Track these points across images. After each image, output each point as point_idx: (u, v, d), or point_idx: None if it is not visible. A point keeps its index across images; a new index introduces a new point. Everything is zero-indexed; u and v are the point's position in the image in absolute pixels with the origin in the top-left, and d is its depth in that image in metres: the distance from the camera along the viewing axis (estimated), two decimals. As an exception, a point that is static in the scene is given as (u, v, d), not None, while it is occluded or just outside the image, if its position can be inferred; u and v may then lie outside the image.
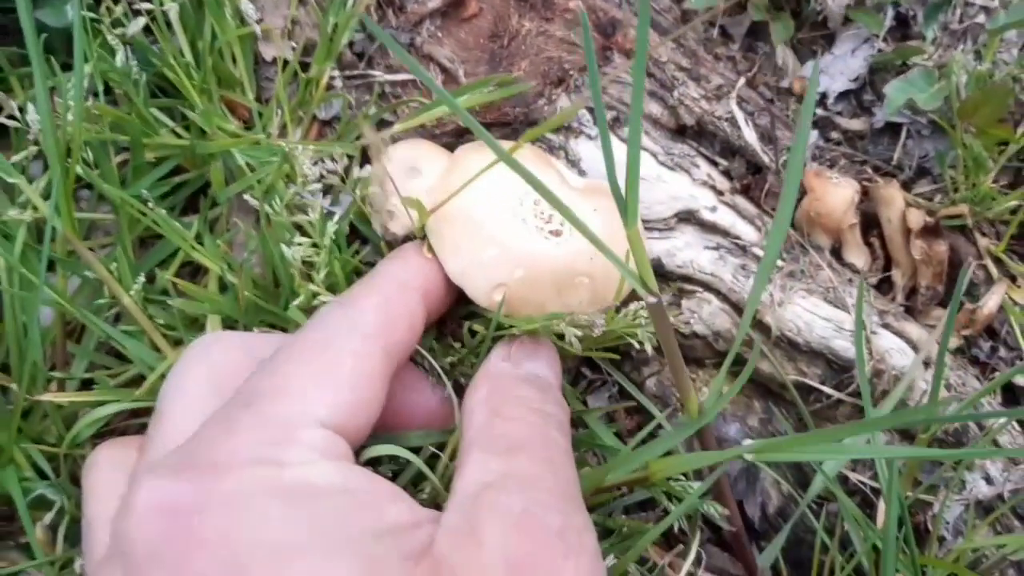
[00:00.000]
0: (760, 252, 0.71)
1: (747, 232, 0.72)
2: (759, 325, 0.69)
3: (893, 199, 0.75)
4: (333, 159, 0.63)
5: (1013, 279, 0.76)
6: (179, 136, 0.70)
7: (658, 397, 0.70)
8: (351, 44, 0.74)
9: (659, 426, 0.66)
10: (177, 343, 0.64)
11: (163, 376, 0.56)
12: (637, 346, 0.61)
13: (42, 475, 0.64)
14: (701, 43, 0.82)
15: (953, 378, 0.71)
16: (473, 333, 0.61)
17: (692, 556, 0.63)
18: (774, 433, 0.71)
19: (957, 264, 0.75)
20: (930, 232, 0.73)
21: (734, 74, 0.81)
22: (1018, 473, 0.68)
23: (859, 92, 0.84)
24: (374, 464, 0.56)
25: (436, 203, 0.59)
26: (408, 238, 0.62)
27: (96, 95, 0.68)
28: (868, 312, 0.71)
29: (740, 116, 0.76)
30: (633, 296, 0.62)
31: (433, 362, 0.60)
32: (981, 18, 0.83)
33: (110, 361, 0.68)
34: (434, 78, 0.73)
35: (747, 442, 0.51)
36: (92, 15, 0.66)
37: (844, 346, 0.69)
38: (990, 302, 0.73)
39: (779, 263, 0.71)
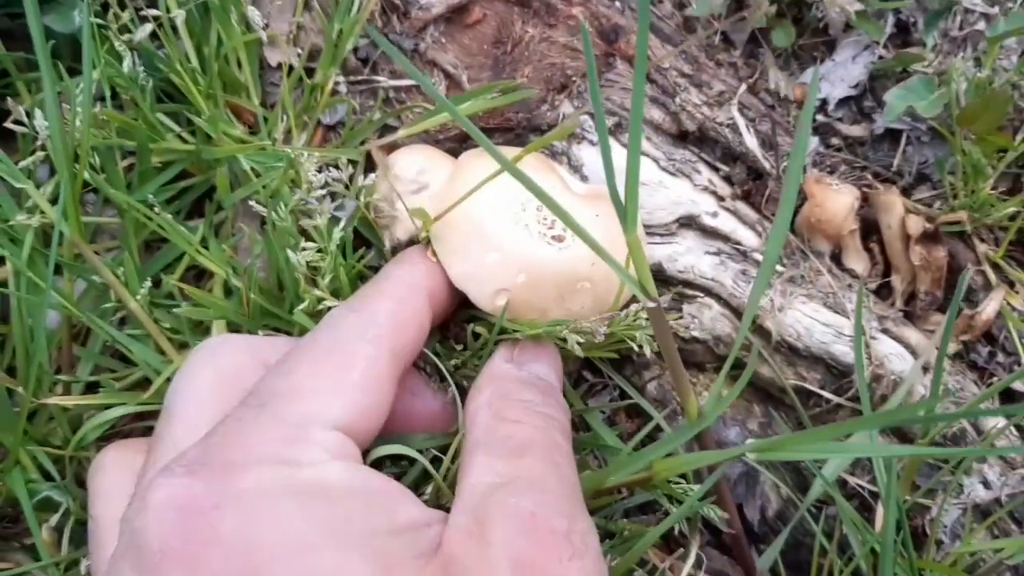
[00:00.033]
0: (760, 257, 0.71)
1: (748, 237, 0.72)
2: (759, 330, 0.70)
3: (893, 205, 0.75)
4: (337, 167, 0.63)
5: (1011, 285, 0.76)
6: (185, 141, 0.71)
7: (659, 401, 0.70)
8: (356, 50, 0.74)
9: (659, 429, 0.67)
10: (183, 347, 0.65)
11: (169, 379, 0.57)
12: (637, 349, 0.62)
13: (47, 477, 0.65)
14: (703, 49, 0.83)
15: (952, 383, 0.72)
16: (476, 336, 0.62)
17: (692, 558, 0.63)
18: (774, 437, 0.71)
19: (956, 270, 0.75)
20: (929, 238, 0.74)
21: (735, 80, 0.81)
22: (1015, 478, 0.69)
23: (859, 99, 0.85)
24: (376, 467, 0.57)
25: (440, 209, 0.60)
26: (412, 242, 0.63)
27: (103, 100, 0.68)
28: (867, 317, 0.71)
29: (741, 122, 0.76)
30: (634, 299, 0.62)
31: (439, 363, 0.61)
32: (981, 25, 0.84)
33: (115, 364, 0.68)
34: (438, 84, 0.74)
35: (749, 442, 0.51)
36: (99, 21, 0.67)
37: (844, 351, 0.70)
38: (988, 308, 0.74)
39: (779, 268, 0.72)
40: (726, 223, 0.72)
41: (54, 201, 0.64)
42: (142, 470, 0.50)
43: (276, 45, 0.73)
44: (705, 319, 0.70)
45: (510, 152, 0.61)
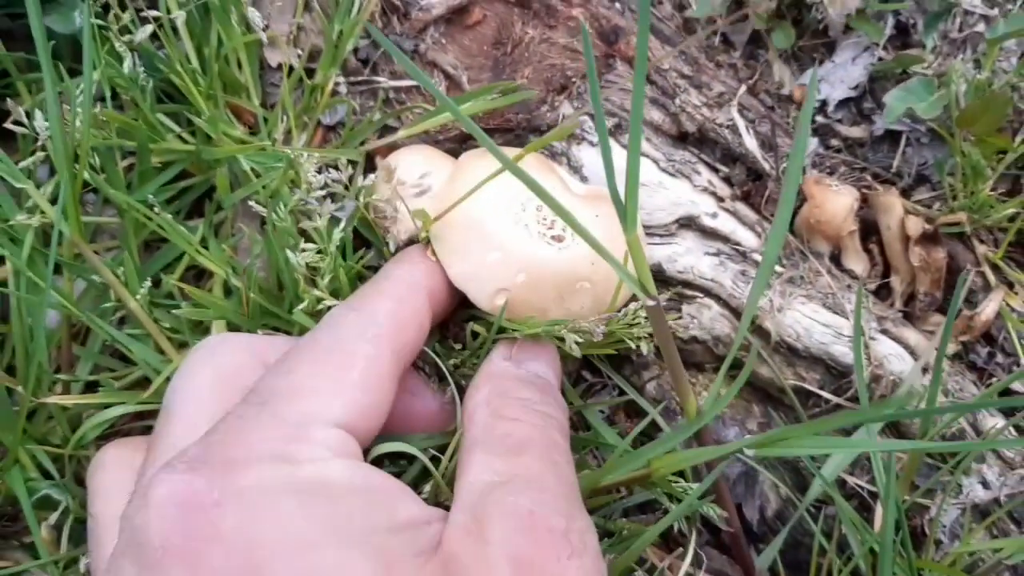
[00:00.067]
0: (760, 258, 0.71)
1: (747, 238, 0.72)
2: (759, 330, 0.70)
3: (892, 206, 0.75)
4: (337, 167, 0.63)
5: (1011, 286, 0.76)
6: (185, 141, 0.71)
7: (658, 401, 0.70)
8: (356, 51, 0.74)
9: (658, 428, 0.67)
10: (182, 346, 0.65)
11: (168, 379, 0.57)
12: (634, 347, 0.62)
13: (47, 476, 0.65)
14: (703, 51, 0.83)
15: (951, 383, 0.72)
16: (475, 335, 0.62)
17: (690, 556, 0.64)
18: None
19: (955, 271, 0.75)
20: (929, 239, 0.74)
21: (735, 81, 0.81)
22: (1014, 478, 0.69)
23: (859, 100, 0.85)
24: (375, 466, 0.57)
25: (440, 209, 0.60)
26: (412, 242, 0.63)
27: (103, 101, 0.68)
28: (867, 318, 0.72)
29: (741, 123, 0.77)
30: (634, 299, 0.62)
31: (440, 362, 0.61)
32: (980, 27, 0.84)
33: (115, 364, 0.68)
34: (438, 84, 0.74)
35: (748, 438, 0.51)
36: (100, 22, 0.67)
37: (843, 351, 0.70)
38: (988, 309, 0.74)
39: (779, 269, 0.72)
40: (726, 224, 0.72)
41: (54, 201, 0.65)
42: (142, 468, 0.50)
43: (276, 46, 0.73)
44: (704, 319, 0.70)
45: (510, 153, 0.62)
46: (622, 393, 0.70)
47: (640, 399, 0.69)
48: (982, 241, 0.78)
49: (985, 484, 0.69)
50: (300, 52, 0.73)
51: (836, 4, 0.82)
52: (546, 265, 0.59)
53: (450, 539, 0.45)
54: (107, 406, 0.64)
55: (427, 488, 0.56)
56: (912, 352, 0.71)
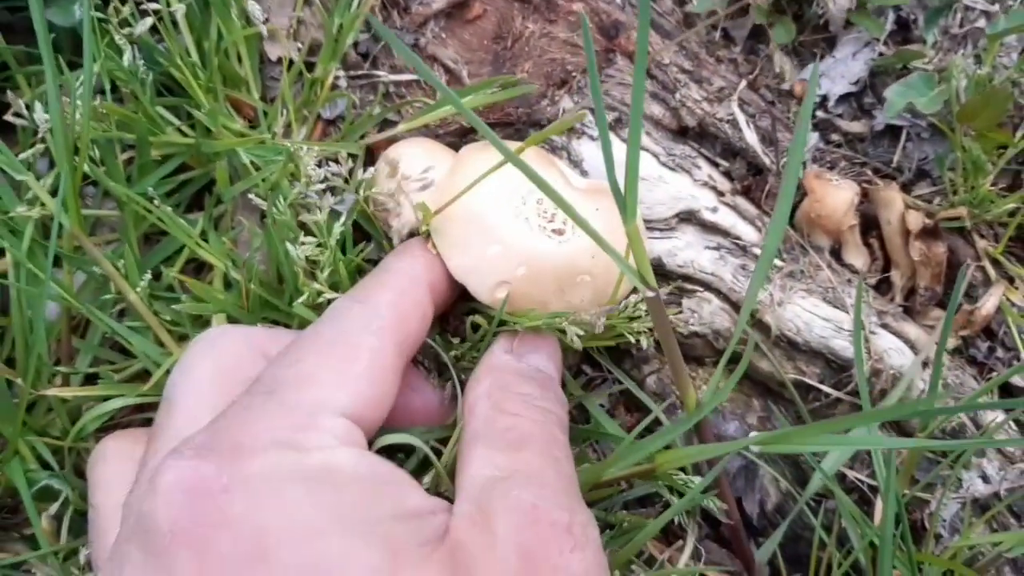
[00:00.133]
0: (760, 252, 0.71)
1: (747, 232, 0.72)
2: (759, 324, 0.70)
3: (893, 201, 0.75)
4: (337, 161, 0.63)
5: (1011, 281, 0.76)
6: (185, 135, 0.71)
7: (658, 394, 0.70)
8: (356, 45, 0.74)
9: (658, 422, 0.67)
10: (182, 339, 0.65)
11: (168, 371, 0.57)
12: (633, 341, 0.62)
13: (46, 468, 0.65)
14: (703, 45, 0.83)
15: (951, 378, 0.72)
16: (475, 328, 0.62)
17: (689, 549, 0.64)
18: (772, 431, 0.71)
19: (955, 265, 0.75)
20: (929, 234, 0.74)
21: (736, 76, 0.81)
22: (1014, 472, 0.69)
23: (860, 95, 0.85)
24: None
25: (441, 202, 0.60)
26: (414, 235, 0.63)
27: (103, 93, 0.68)
28: (867, 312, 0.72)
29: (741, 118, 0.77)
30: (634, 292, 0.62)
31: (442, 353, 0.61)
32: (981, 23, 0.84)
33: (114, 356, 0.68)
34: (438, 79, 0.74)
35: (754, 435, 0.51)
36: (100, 15, 0.67)
37: (843, 346, 0.70)
38: (988, 303, 0.74)
39: (779, 263, 0.72)
40: (726, 218, 0.72)
41: (54, 193, 0.64)
42: (143, 459, 0.50)
43: (276, 39, 0.73)
44: (704, 313, 0.70)
45: (511, 147, 0.62)
46: (622, 387, 0.70)
47: (640, 393, 0.69)
48: (982, 236, 0.78)
49: (985, 478, 0.69)
50: (300, 46, 0.73)
51: (837, -1, 0.83)
52: (546, 258, 0.59)
53: (457, 529, 0.46)
54: (107, 398, 0.64)
55: (426, 480, 0.56)
56: (912, 346, 0.71)
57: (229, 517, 0.42)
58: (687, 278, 0.70)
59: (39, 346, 0.63)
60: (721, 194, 0.73)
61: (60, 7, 0.71)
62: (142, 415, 0.67)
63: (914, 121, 0.82)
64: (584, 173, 0.70)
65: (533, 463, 0.51)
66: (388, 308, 0.54)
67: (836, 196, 0.73)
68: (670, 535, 0.68)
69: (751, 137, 0.76)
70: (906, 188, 0.80)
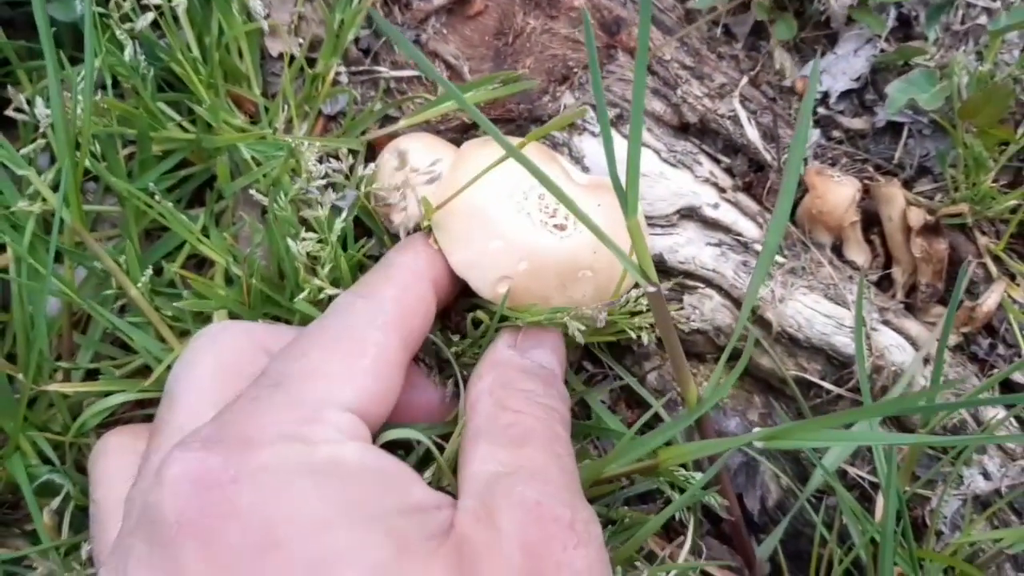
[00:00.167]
0: (761, 248, 0.71)
1: (749, 229, 0.72)
2: (760, 321, 0.70)
3: (894, 197, 0.75)
4: (338, 157, 0.63)
5: (1012, 277, 0.76)
6: (186, 130, 0.71)
7: (659, 391, 0.70)
8: (357, 40, 0.74)
9: (659, 419, 0.67)
10: (183, 334, 0.65)
11: (169, 367, 0.57)
12: (635, 337, 0.62)
13: (47, 463, 0.65)
14: (704, 42, 0.83)
15: (952, 375, 0.72)
16: (477, 324, 0.62)
17: (688, 545, 0.64)
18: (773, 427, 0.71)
19: (957, 262, 0.75)
20: (930, 230, 0.74)
21: (737, 73, 0.81)
22: (1015, 469, 0.69)
23: (861, 92, 0.85)
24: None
25: (442, 198, 0.60)
26: (417, 229, 0.63)
27: (104, 89, 0.68)
28: (868, 309, 0.72)
29: (743, 114, 0.76)
30: (636, 287, 0.62)
31: (444, 348, 0.61)
32: (983, 19, 0.84)
33: (115, 352, 0.68)
34: (440, 74, 0.74)
35: (756, 431, 0.51)
36: (101, 10, 0.67)
37: (844, 342, 0.70)
38: (989, 300, 0.74)
39: (780, 260, 0.72)
40: (727, 214, 0.72)
41: (55, 188, 0.64)
42: (144, 454, 0.50)
43: (277, 35, 0.73)
44: (706, 310, 0.70)
45: (512, 142, 0.61)
46: (623, 383, 0.70)
47: (641, 389, 0.69)
48: (984, 232, 0.78)
49: (986, 475, 0.69)
50: (301, 41, 0.73)
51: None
52: (548, 253, 0.59)
53: (462, 524, 0.46)
54: (108, 394, 0.64)
55: (427, 475, 0.56)
56: (913, 343, 0.71)
57: (237, 508, 0.42)
58: (688, 274, 0.70)
59: (40, 341, 0.63)
60: (722, 190, 0.73)
61: (61, 2, 0.71)
62: (143, 411, 0.67)
63: (915, 118, 0.82)
64: (585, 169, 0.70)
65: (536, 459, 0.51)
66: (392, 303, 0.54)
67: (837, 192, 0.73)
68: (671, 531, 0.68)
69: (752, 133, 0.76)
70: (907, 185, 0.80)
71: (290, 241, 0.61)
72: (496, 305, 0.59)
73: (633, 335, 0.62)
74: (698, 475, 0.60)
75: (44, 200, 0.64)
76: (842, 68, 0.85)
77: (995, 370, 0.74)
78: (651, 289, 0.47)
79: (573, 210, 0.46)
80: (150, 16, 0.68)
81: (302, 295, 0.61)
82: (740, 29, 0.86)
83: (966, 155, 0.76)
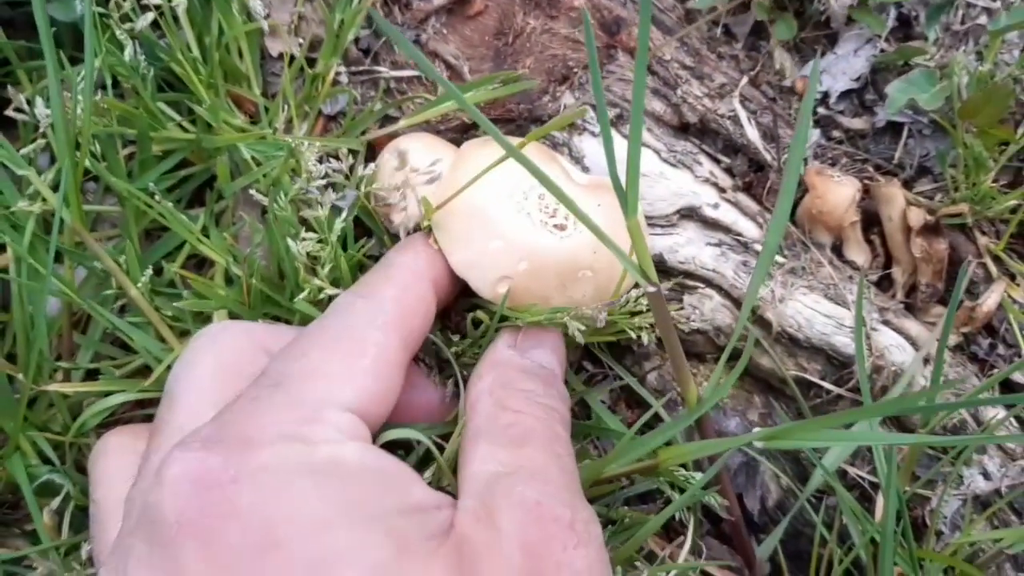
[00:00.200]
0: (762, 248, 0.71)
1: (749, 229, 0.72)
2: (760, 321, 0.70)
3: (894, 197, 0.75)
4: (338, 158, 0.63)
5: (1012, 277, 0.76)
6: (186, 130, 0.71)
7: (659, 391, 0.70)
8: (357, 40, 0.74)
9: (659, 419, 0.67)
10: (183, 334, 0.65)
11: (169, 367, 0.57)
12: (635, 336, 0.62)
13: (47, 463, 0.65)
14: (704, 42, 0.83)
15: (952, 374, 0.72)
16: (476, 324, 0.62)
17: (688, 545, 0.64)
18: (773, 427, 0.71)
19: (957, 262, 0.75)
20: (930, 230, 0.74)
21: (737, 73, 0.81)
22: (1015, 469, 0.69)
23: (861, 92, 0.85)
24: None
25: (442, 198, 0.60)
26: (417, 229, 0.63)
27: (104, 89, 0.68)
28: (868, 309, 0.72)
29: (743, 114, 0.76)
30: (636, 287, 0.62)
31: (444, 348, 0.61)
32: (983, 19, 0.84)
33: (115, 352, 0.68)
34: (440, 74, 0.74)
35: (757, 430, 0.51)
36: (101, 10, 0.67)
37: (844, 342, 0.70)
38: (989, 300, 0.74)
39: (780, 260, 0.72)
40: (727, 214, 0.72)
41: (55, 188, 0.64)
42: (145, 454, 0.50)
43: (277, 35, 0.73)
44: (706, 310, 0.70)
45: (512, 142, 0.61)
46: (623, 383, 0.70)
47: (641, 389, 0.69)
48: (984, 232, 0.78)
49: (986, 475, 0.69)
50: (301, 41, 0.73)
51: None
52: (548, 253, 0.59)
53: (462, 524, 0.46)
54: (108, 394, 0.64)
55: (426, 475, 0.56)
56: (913, 343, 0.71)
57: (237, 508, 0.42)
58: (688, 274, 0.70)
59: (40, 341, 0.63)
60: (722, 190, 0.73)
61: (61, 2, 0.71)
62: (143, 411, 0.67)
63: (915, 118, 0.82)
64: (585, 169, 0.70)
65: (536, 459, 0.51)
66: (392, 303, 0.54)
67: (837, 192, 0.73)
68: (671, 531, 0.68)
69: (752, 133, 0.76)
70: (907, 185, 0.81)
71: (290, 241, 0.61)
72: (496, 305, 0.59)
73: (633, 335, 0.62)
74: (698, 475, 0.60)
75: (44, 200, 0.64)
76: (842, 68, 0.85)
77: (995, 370, 0.74)
78: (651, 289, 0.47)
79: (573, 210, 0.46)
80: (150, 16, 0.68)
81: (302, 295, 0.61)
82: (740, 29, 0.86)
83: (966, 155, 0.76)
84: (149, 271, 0.64)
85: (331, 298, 0.59)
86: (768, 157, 0.76)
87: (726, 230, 0.72)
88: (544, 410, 0.55)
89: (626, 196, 0.45)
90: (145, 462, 0.49)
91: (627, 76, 0.73)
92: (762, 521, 0.71)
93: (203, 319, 0.65)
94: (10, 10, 0.74)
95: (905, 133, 0.82)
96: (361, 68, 0.74)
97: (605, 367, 0.71)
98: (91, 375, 0.67)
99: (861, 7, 0.83)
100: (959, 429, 0.70)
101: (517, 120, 0.72)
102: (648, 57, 0.72)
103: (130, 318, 0.65)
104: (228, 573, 0.40)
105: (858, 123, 0.83)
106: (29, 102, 0.63)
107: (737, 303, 0.70)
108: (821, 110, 0.84)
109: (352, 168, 0.64)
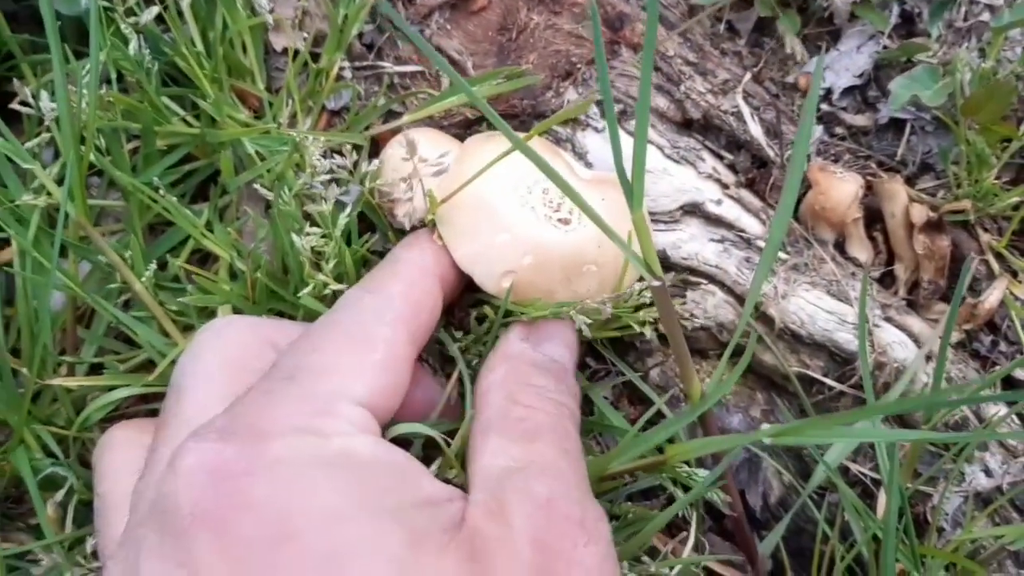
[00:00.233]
0: (764, 245, 0.71)
1: (752, 225, 0.72)
2: (763, 317, 0.70)
3: (897, 194, 0.75)
4: (342, 154, 0.63)
5: (1014, 274, 0.76)
6: (190, 125, 0.71)
7: (662, 387, 0.70)
8: (361, 35, 0.74)
9: (662, 415, 0.67)
10: (187, 329, 0.65)
11: (173, 362, 0.57)
12: (638, 328, 0.62)
13: (51, 456, 0.65)
14: (708, 38, 0.83)
15: (954, 371, 0.72)
16: (481, 320, 0.62)
17: (691, 542, 0.64)
18: (776, 423, 0.71)
19: (959, 259, 0.75)
20: (933, 227, 0.74)
21: (740, 69, 0.81)
22: (1016, 466, 0.69)
23: (864, 88, 0.85)
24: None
25: (447, 192, 0.60)
26: (416, 226, 0.63)
27: (108, 83, 0.68)
28: (871, 305, 0.72)
29: (746, 110, 0.77)
30: (640, 282, 0.62)
31: (450, 345, 0.61)
32: (986, 16, 0.84)
33: (119, 346, 0.68)
34: (446, 62, 0.74)
35: (764, 426, 0.51)
36: (105, 4, 0.67)
37: (847, 339, 0.70)
38: (991, 297, 0.74)
39: (783, 256, 0.72)
40: (730, 211, 0.72)
41: (60, 182, 0.64)
42: (152, 446, 0.50)
43: (281, 30, 0.73)
44: (709, 306, 0.70)
45: (518, 136, 0.62)
46: (626, 379, 0.70)
47: (643, 385, 0.69)
48: (986, 229, 0.78)
49: (988, 472, 0.69)
50: (305, 36, 0.73)
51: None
52: (553, 247, 0.59)
53: (473, 517, 0.46)
54: (111, 388, 0.64)
55: (431, 470, 0.56)
56: (916, 340, 0.72)
57: (251, 500, 0.42)
58: (691, 270, 0.70)
59: (44, 335, 0.63)
60: (725, 187, 0.73)
61: (66, -4, 0.71)
62: (147, 405, 0.67)
63: (918, 114, 0.82)
64: (589, 165, 0.70)
65: (547, 455, 0.51)
66: (400, 299, 0.55)
67: (840, 189, 0.73)
68: (673, 527, 0.68)
69: (755, 130, 0.76)
70: (910, 181, 0.81)
71: (294, 236, 0.61)
72: (500, 300, 0.59)
73: (637, 328, 0.62)
74: (701, 471, 0.61)
75: (49, 194, 0.64)
76: (845, 64, 0.85)
77: (997, 367, 0.74)
78: (656, 284, 0.47)
79: (578, 203, 0.46)
80: (155, 10, 0.68)
81: (306, 290, 0.61)
82: (743, 25, 0.86)
83: (968, 152, 0.76)
84: (153, 266, 0.64)
85: (335, 293, 0.59)
86: (771, 153, 0.76)
87: (729, 226, 0.72)
88: (555, 406, 0.55)
89: (631, 190, 0.45)
90: (153, 454, 0.49)
91: (630, 72, 0.73)
92: (764, 517, 0.71)
93: (207, 314, 0.65)
94: (14, 4, 0.74)
95: (908, 130, 0.82)
96: (365, 63, 0.74)
97: (608, 363, 0.71)
98: (95, 369, 0.67)
99: (864, 3, 0.83)
100: (961, 426, 0.70)
101: (520, 116, 0.72)
102: (654, 53, 0.72)
103: (134, 313, 0.65)
104: (241, 565, 0.40)
105: (861, 119, 0.83)
106: (34, 96, 0.63)
107: (740, 299, 0.70)
108: (824, 106, 0.84)
109: (356, 164, 0.64)
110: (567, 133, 0.71)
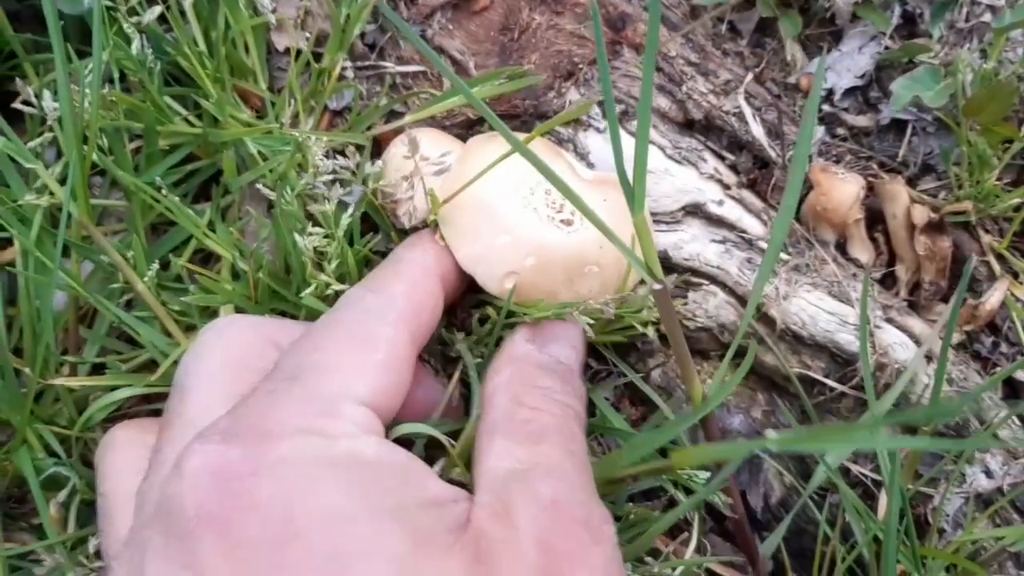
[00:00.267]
0: (766, 245, 0.71)
1: (753, 226, 0.72)
2: (764, 318, 0.70)
3: (898, 195, 0.75)
4: (344, 154, 0.63)
5: (1015, 275, 0.76)
6: (192, 124, 0.71)
7: (663, 388, 0.70)
8: (363, 35, 0.74)
9: (665, 416, 0.67)
10: (190, 329, 0.65)
11: (176, 362, 0.57)
12: (641, 329, 0.62)
13: (53, 456, 0.65)
14: (710, 38, 0.83)
15: (955, 372, 0.72)
16: (483, 321, 0.62)
17: (694, 543, 0.64)
18: (777, 425, 0.71)
19: (960, 260, 0.75)
20: (934, 228, 0.74)
21: (742, 69, 0.81)
22: (1017, 467, 0.69)
23: (866, 89, 0.85)
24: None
25: (448, 192, 0.60)
26: (418, 227, 0.63)
27: (111, 82, 0.68)
28: (872, 306, 0.72)
29: (748, 111, 0.77)
30: (641, 283, 0.62)
31: (452, 346, 0.61)
32: (987, 17, 0.84)
33: (121, 346, 0.68)
34: (446, 64, 0.74)
35: (770, 432, 0.51)
36: (108, 3, 0.67)
37: (848, 340, 0.70)
38: (992, 298, 0.74)
39: (784, 257, 0.72)
40: (732, 211, 0.72)
41: (62, 182, 0.64)
42: (155, 447, 0.50)
43: (284, 29, 0.73)
44: (710, 307, 0.70)
45: (518, 138, 0.62)
46: (627, 380, 0.70)
47: (645, 386, 0.69)
48: (987, 230, 0.78)
49: (988, 473, 0.69)
50: (307, 36, 0.73)
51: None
52: (555, 248, 0.59)
53: (479, 519, 0.46)
54: (114, 388, 0.64)
55: (435, 470, 0.56)
56: (917, 341, 0.72)
57: (257, 501, 0.42)
58: (693, 271, 0.70)
59: (47, 335, 0.64)
60: (727, 187, 0.73)
61: (68, -4, 0.71)
62: (149, 406, 0.67)
63: (920, 115, 0.82)
64: (591, 165, 0.70)
65: (552, 457, 0.51)
66: (402, 299, 0.55)
67: (842, 190, 0.73)
68: (674, 528, 0.68)
69: (757, 130, 0.76)
70: (911, 182, 0.81)
71: (297, 236, 0.61)
72: (502, 301, 0.59)
73: (640, 328, 0.62)
74: (703, 473, 0.61)
75: (51, 194, 0.64)
76: (847, 65, 0.85)
77: (998, 368, 0.74)
78: (657, 286, 0.47)
79: (579, 206, 0.46)
80: (157, 10, 0.68)
81: (309, 290, 0.61)
82: (745, 26, 0.86)
83: (970, 153, 0.76)
84: (156, 265, 0.64)
85: (338, 294, 0.59)
86: (773, 154, 0.76)
87: (730, 227, 0.72)
88: (561, 407, 0.55)
89: (633, 192, 0.45)
90: (157, 455, 0.49)
91: (632, 72, 0.73)
92: (765, 518, 0.71)
93: (209, 314, 0.66)
94: (16, 3, 0.75)
95: (909, 130, 0.82)
96: (367, 63, 0.74)
97: (609, 364, 0.71)
98: (97, 369, 0.67)
99: (866, 4, 0.83)
100: (962, 427, 0.70)
101: (522, 116, 0.72)
102: (656, 54, 0.72)
103: (136, 312, 0.65)
104: (247, 566, 0.40)
105: (862, 120, 0.83)
106: (37, 95, 0.63)
107: (741, 300, 0.70)
108: (825, 107, 0.84)
109: (359, 164, 0.64)
110: (569, 133, 0.71)
